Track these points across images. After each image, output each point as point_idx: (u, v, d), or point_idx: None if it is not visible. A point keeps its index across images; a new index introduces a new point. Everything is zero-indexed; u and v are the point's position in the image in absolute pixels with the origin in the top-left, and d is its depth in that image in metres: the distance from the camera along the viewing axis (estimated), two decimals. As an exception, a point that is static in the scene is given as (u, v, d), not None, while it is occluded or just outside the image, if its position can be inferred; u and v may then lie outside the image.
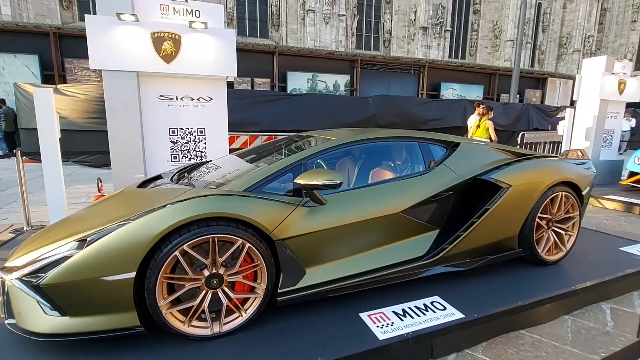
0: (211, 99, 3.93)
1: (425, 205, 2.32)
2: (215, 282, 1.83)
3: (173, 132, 3.86)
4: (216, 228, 1.76)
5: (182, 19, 3.64)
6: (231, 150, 3.91)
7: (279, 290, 1.93)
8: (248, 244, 1.81)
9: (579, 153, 3.20)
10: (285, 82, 13.47)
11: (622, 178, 6.16)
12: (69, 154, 8.32)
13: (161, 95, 3.75)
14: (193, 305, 1.80)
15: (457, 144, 2.71)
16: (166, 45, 3.52)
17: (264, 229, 1.84)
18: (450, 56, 24.56)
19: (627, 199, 5.33)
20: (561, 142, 6.58)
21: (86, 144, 7.98)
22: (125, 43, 3.40)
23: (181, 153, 3.92)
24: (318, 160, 2.64)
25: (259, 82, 13.04)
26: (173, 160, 3.90)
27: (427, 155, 2.57)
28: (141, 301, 1.72)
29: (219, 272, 1.83)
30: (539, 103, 17.04)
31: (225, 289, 1.86)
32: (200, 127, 3.94)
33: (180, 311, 1.82)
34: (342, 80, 14.20)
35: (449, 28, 23.84)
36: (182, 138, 3.90)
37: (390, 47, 24.02)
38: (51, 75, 11.30)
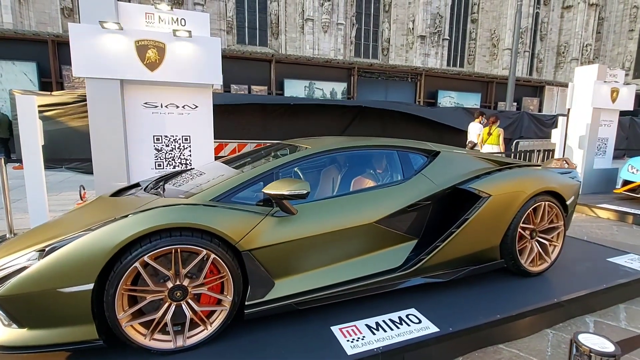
0: (196, 106, 3.92)
1: (402, 215, 2.28)
2: (178, 294, 1.78)
3: (157, 139, 3.84)
4: (179, 239, 1.72)
5: (167, 28, 3.65)
6: (217, 158, 3.89)
7: (246, 303, 1.88)
8: (213, 255, 1.77)
9: (564, 162, 3.16)
10: (283, 89, 13.53)
11: (616, 187, 6.10)
12: (62, 160, 8.33)
13: (146, 103, 3.75)
14: (155, 318, 1.75)
15: (438, 153, 2.67)
16: (150, 53, 3.53)
17: (230, 240, 1.80)
18: (448, 64, 24.69)
19: (620, 208, 5.27)
20: (553, 151, 6.54)
21: (80, 151, 7.98)
22: (109, 51, 3.41)
23: (166, 160, 3.90)
24: (296, 169, 2.61)
25: (256, 90, 13.10)
26: (157, 167, 3.88)
27: (406, 164, 2.53)
28: (102, 313, 1.67)
29: (183, 284, 1.79)
30: (536, 111, 17.05)
31: (190, 301, 1.81)
32: (186, 134, 3.93)
33: (142, 324, 1.77)
34: (339, 87, 14.25)
35: (446, 37, 24.00)
36: (167, 145, 3.88)
37: (389, 55, 24.17)
38: (49, 82, 11.38)
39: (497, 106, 16.42)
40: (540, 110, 17.52)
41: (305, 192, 1.81)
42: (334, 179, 2.52)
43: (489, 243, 2.52)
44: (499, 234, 2.53)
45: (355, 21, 23.21)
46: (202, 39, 3.67)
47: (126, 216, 1.71)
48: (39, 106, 8.63)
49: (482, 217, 2.42)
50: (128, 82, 3.62)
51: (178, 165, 3.94)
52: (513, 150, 7.84)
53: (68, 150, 8.24)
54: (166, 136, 3.86)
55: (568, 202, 2.84)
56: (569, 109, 6.57)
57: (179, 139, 3.91)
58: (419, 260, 2.28)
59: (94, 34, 3.34)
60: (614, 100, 6.35)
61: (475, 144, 7.09)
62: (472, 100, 16.31)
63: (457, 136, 10.13)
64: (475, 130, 7.26)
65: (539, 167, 2.95)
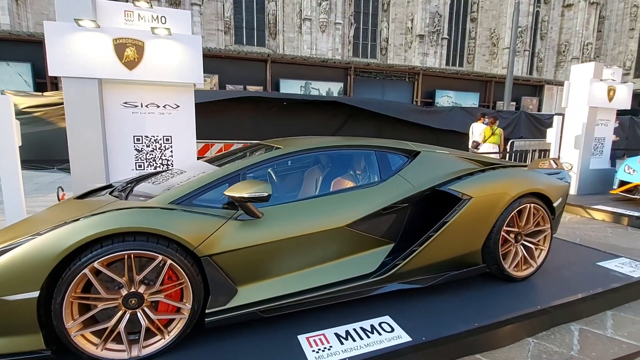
0: (178, 106, 3.84)
1: (376, 218, 2.18)
2: (133, 301, 1.69)
3: (138, 139, 3.76)
4: (132, 244, 1.63)
5: (147, 25, 3.57)
6: (199, 159, 3.80)
7: (206, 310, 1.79)
8: (169, 261, 1.68)
9: (552, 162, 3.06)
10: (278, 89, 13.44)
11: (613, 187, 5.97)
12: (54, 161, 8.27)
13: (125, 103, 3.67)
14: (108, 327, 1.66)
15: (418, 153, 2.57)
16: (129, 51, 3.45)
17: (187, 245, 1.71)
18: (447, 64, 24.55)
19: (615, 209, 5.15)
20: (549, 151, 6.43)
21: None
22: (86, 49, 3.33)
23: (146, 161, 3.82)
24: (269, 171, 2.52)
25: (252, 90, 13.01)
26: (138, 168, 3.80)
27: (383, 165, 2.44)
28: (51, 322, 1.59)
29: (139, 291, 1.70)
30: (535, 111, 16.89)
31: (146, 309, 1.72)
32: (167, 134, 3.85)
33: (95, 333, 1.68)
34: (335, 87, 14.16)
35: (446, 36, 23.87)
36: (148, 146, 3.80)
37: (387, 54, 24.06)
38: (44, 83, 11.34)
39: (496, 106, 16.27)
40: (539, 109, 17.37)
41: (266, 194, 1.72)
42: (306, 181, 2.43)
43: (470, 247, 2.42)
44: (480, 237, 2.43)
45: (353, 20, 23.12)
46: (183, 36, 3.59)
47: (77, 220, 1.62)
48: (31, 107, 8.62)
49: (462, 220, 2.32)
50: (107, 81, 3.54)
51: (159, 166, 3.86)
52: (508, 150, 7.72)
53: (60, 151, 8.17)
54: (147, 136, 3.78)
55: (555, 204, 2.74)
56: (564, 108, 6.46)
57: (160, 139, 3.83)
58: (394, 266, 2.19)
59: (70, 32, 3.26)
60: (610, 99, 6.24)
61: (479, 144, 7.31)
62: (470, 100, 16.18)
63: (455, 135, 10.02)
64: (479, 131, 7.44)
65: (525, 168, 2.85)
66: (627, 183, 5.59)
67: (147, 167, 3.83)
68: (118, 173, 3.66)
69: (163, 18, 3.65)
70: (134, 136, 3.73)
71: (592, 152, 6.46)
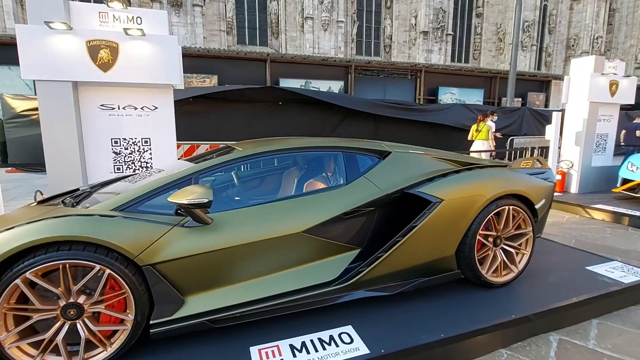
0: (156, 107, 3.79)
1: (337, 223, 2.08)
2: (72, 312, 1.63)
3: (116, 142, 3.72)
4: (67, 253, 1.56)
5: (122, 27, 3.51)
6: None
7: (151, 321, 1.72)
8: (108, 271, 1.61)
9: (537, 161, 2.90)
10: (278, 89, 13.38)
11: (617, 185, 5.73)
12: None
13: (102, 105, 3.63)
14: (45, 338, 1.60)
15: (389, 153, 2.46)
16: (103, 53, 3.40)
17: (126, 253, 1.63)
18: (452, 60, 24.15)
19: (616, 209, 4.93)
20: (548, 148, 6.20)
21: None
22: (59, 52, 3.29)
23: (125, 164, 3.77)
24: (232, 174, 2.44)
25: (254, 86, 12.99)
26: (117, 171, 3.76)
27: (351, 166, 2.33)
28: None
29: (78, 301, 1.63)
30: (542, 107, 16.48)
31: (87, 320, 1.65)
32: (145, 137, 3.79)
33: (33, 344, 1.62)
34: (336, 86, 14.03)
35: (450, 32, 23.48)
36: (126, 149, 3.75)
37: (391, 52, 23.79)
38: (45, 86, 11.47)
39: (501, 102, 15.93)
40: (546, 105, 16.95)
41: (206, 201, 1.64)
42: (265, 185, 2.34)
43: (442, 252, 2.29)
44: (453, 242, 2.31)
45: (356, 18, 22.91)
46: (158, 37, 3.53)
47: (10, 229, 1.56)
48: (28, 110, 8.70)
49: (432, 224, 2.20)
50: (82, 83, 3.50)
51: (138, 169, 3.81)
52: (507, 148, 7.50)
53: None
54: (125, 139, 3.73)
55: (537, 206, 2.59)
56: (564, 104, 6.24)
57: (139, 142, 3.78)
58: (358, 273, 2.08)
59: (43, 34, 3.22)
60: (613, 94, 5.99)
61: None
62: (474, 97, 15.87)
63: (457, 133, 9.79)
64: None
65: (505, 168, 2.70)
66: (630, 181, 5.36)
67: (126, 169, 3.78)
68: (96, 176, 3.63)
69: (139, 19, 3.59)
70: (111, 139, 3.69)
71: (594, 149, 6.22)
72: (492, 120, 7.80)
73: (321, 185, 2.28)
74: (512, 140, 7.65)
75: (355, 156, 2.39)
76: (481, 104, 15.71)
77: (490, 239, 2.49)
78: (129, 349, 1.75)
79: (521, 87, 16.80)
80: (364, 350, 1.81)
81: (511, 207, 2.46)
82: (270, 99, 8.14)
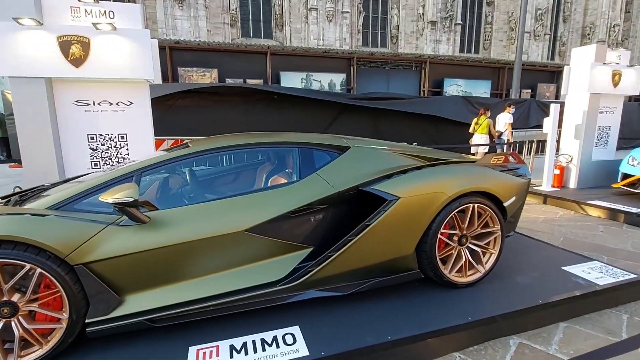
0: (132, 103, 3.78)
1: (284, 222, 2.02)
2: (6, 310, 1.63)
3: (92, 138, 3.73)
4: (-6, 252, 1.55)
5: (95, 22, 3.49)
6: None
7: (86, 320, 1.71)
8: (39, 270, 1.60)
9: (511, 157, 2.78)
10: (279, 82, 13.29)
11: (617, 181, 5.49)
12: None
13: (77, 101, 3.63)
14: (-23, 338, 1.61)
15: (348, 149, 2.38)
16: (74, 48, 3.39)
17: (56, 252, 1.62)
18: (462, 51, 23.51)
19: (612, 205, 4.72)
20: (545, 141, 5.98)
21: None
22: (31, 48, 3.29)
23: (102, 160, 3.79)
24: (186, 170, 2.40)
25: (252, 83, 12.93)
26: (94, 167, 3.78)
27: (305, 163, 2.26)
28: None
29: (12, 299, 1.63)
30: (553, 98, 15.94)
31: (21, 318, 1.65)
32: (122, 132, 3.79)
33: (-32, 343, 1.63)
34: (338, 79, 13.85)
35: (459, 21, 22.82)
36: (102, 144, 3.76)
37: (398, 43, 23.29)
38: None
39: (509, 94, 15.46)
40: (557, 97, 16.37)
41: (131, 200, 1.60)
42: (213, 183, 2.29)
43: (399, 252, 2.22)
44: (412, 241, 2.23)
45: (362, 9, 22.47)
46: (130, 31, 3.50)
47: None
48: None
49: (387, 222, 2.12)
50: (57, 79, 3.51)
51: (115, 164, 3.82)
52: (505, 141, 7.28)
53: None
54: (101, 135, 3.74)
55: (506, 204, 2.48)
56: (564, 95, 5.99)
57: (115, 137, 3.78)
58: (307, 272, 2.02)
59: (13, 31, 3.23)
60: (616, 85, 5.71)
61: (502, 134, 7.64)
62: (481, 88, 15.46)
63: (461, 127, 9.51)
64: (504, 120, 7.74)
65: (473, 164, 2.59)
66: (631, 176, 5.12)
67: (103, 165, 3.80)
68: (74, 172, 3.64)
69: (111, 13, 3.56)
70: (87, 135, 3.71)
71: (595, 143, 5.97)
72: (509, 112, 7.79)
73: (271, 183, 2.22)
74: (511, 133, 7.41)
75: (312, 152, 2.32)
76: (488, 95, 15.29)
77: (455, 238, 2.40)
78: (67, 347, 1.75)
79: (531, 78, 16.28)
80: (304, 352, 1.77)
81: (476, 205, 2.36)
82: (260, 95, 8.08)
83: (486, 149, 6.88)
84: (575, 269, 2.74)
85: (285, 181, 2.24)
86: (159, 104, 7.31)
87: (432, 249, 2.27)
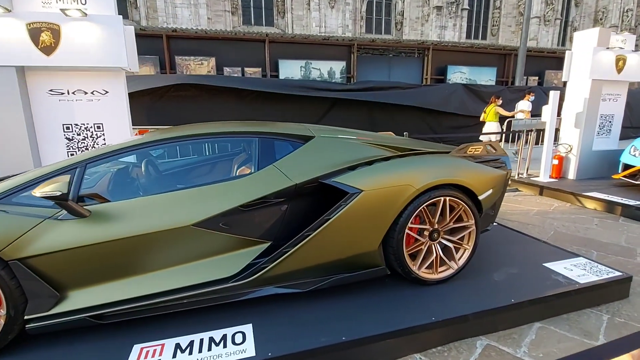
0: (107, 92, 3.69)
1: (236, 216, 1.92)
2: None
3: (67, 128, 3.66)
4: None
5: (63, 7, 3.38)
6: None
7: (25, 317, 1.65)
8: (-29, 265, 1.54)
9: (490, 147, 2.62)
10: (277, 70, 13.08)
11: (618, 172, 5.27)
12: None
13: (51, 90, 3.56)
14: None
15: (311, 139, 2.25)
16: (44, 36, 3.29)
17: None
18: (468, 37, 22.86)
19: (609, 197, 4.53)
20: (543, 130, 5.74)
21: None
22: (0, 36, 3.20)
23: (79, 150, 3.73)
24: (141, 161, 2.30)
25: (250, 72, 12.74)
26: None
27: (265, 154, 2.15)
28: None
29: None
30: (561, 85, 15.40)
31: (-43, 315, 1.60)
32: (97, 122, 3.72)
33: None
34: (338, 67, 13.56)
35: (466, 6, 22.13)
36: (78, 134, 3.69)
37: (403, 29, 22.74)
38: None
39: (515, 81, 14.98)
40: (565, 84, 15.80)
41: (59, 193, 1.52)
42: (165, 175, 2.20)
43: (363, 247, 2.11)
44: (376, 236, 2.12)
45: (365, -6, 21.91)
46: (101, 17, 3.38)
47: None
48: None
49: (349, 217, 2.01)
50: (29, 68, 3.43)
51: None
52: (504, 130, 7.03)
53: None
54: (76, 124, 3.67)
55: (481, 197, 2.34)
56: (565, 82, 5.72)
57: (91, 127, 3.71)
58: (261, 269, 1.94)
59: (-20, 17, 3.14)
60: (619, 70, 5.42)
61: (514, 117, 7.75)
62: (486, 76, 15.01)
63: (462, 116, 9.25)
64: (522, 107, 7.95)
65: (446, 155, 2.44)
66: (631, 167, 4.90)
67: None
68: (50, 162, 3.59)
69: (83, -1, 3.44)
70: (63, 124, 3.64)
71: (597, 132, 5.73)
72: (528, 100, 7.75)
73: (227, 175, 2.12)
74: (510, 122, 7.15)
75: (273, 142, 2.21)
76: (494, 83, 14.84)
77: (426, 233, 2.28)
78: (9, 344, 1.70)
79: (539, 64, 15.73)
80: (251, 352, 1.69)
81: (448, 198, 2.23)
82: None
83: (498, 136, 6.64)
84: (557, 266, 2.60)
85: (243, 173, 2.14)
86: (151, 93, 7.24)
87: (399, 244, 2.16)
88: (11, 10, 3.18)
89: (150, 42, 11.93)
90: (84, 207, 1.74)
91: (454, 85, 10.03)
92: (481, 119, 7.77)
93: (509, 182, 2.62)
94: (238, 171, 2.18)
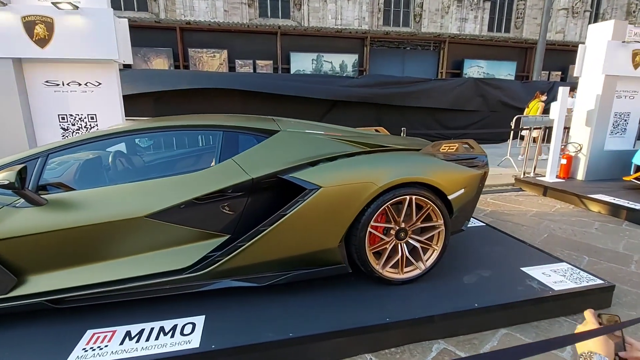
0: (100, 83, 3.78)
1: (191, 209, 1.94)
2: None
3: (63, 118, 3.79)
4: None
5: (54, 0, 3.47)
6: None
7: None
8: None
9: (467, 145, 2.52)
10: (289, 63, 13.05)
11: (630, 173, 4.97)
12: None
13: (47, 81, 3.68)
14: None
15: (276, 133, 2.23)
16: (38, 29, 3.40)
17: None
18: (490, 30, 21.96)
19: (615, 200, 4.29)
20: (551, 128, 5.47)
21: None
22: (-3, 28, 3.33)
23: (73, 140, 3.84)
24: (113, 153, 2.35)
25: (261, 65, 12.78)
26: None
27: (229, 148, 2.14)
28: None
29: None
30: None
31: None
32: (91, 113, 3.83)
33: None
34: (350, 60, 13.38)
35: (489, -3, 21.24)
36: (73, 125, 3.81)
37: (422, 22, 22.10)
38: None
39: (532, 76, 14.34)
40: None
41: (7, 182, 1.57)
42: (125, 166, 2.23)
43: (321, 244, 2.09)
44: (336, 234, 2.08)
45: (383, -14, 21.38)
46: (92, 10, 3.45)
47: None
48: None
49: (306, 213, 1.99)
50: (26, 60, 3.55)
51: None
52: (513, 127, 6.73)
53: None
54: (71, 115, 3.79)
55: (451, 197, 2.26)
56: (577, 78, 5.42)
57: (85, 118, 3.82)
58: (215, 262, 1.95)
59: (-21, 10, 3.27)
60: (637, 66, 5.09)
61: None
62: (505, 70, 14.45)
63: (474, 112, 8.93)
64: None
65: (416, 153, 2.36)
66: (644, 169, 4.61)
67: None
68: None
69: (76, -9, 3.52)
70: (58, 115, 3.76)
71: (610, 130, 5.41)
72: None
73: (188, 168, 2.13)
74: (519, 118, 6.84)
75: (237, 136, 2.20)
76: (513, 77, 14.28)
77: (392, 232, 2.23)
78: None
79: (563, 59, 14.99)
80: (195, 344, 1.72)
81: (414, 197, 2.16)
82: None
83: (540, 131, 6.30)
84: (535, 271, 2.49)
85: (200, 167, 2.14)
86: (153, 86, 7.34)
87: (361, 242, 2.12)
88: (7, 4, 3.29)
89: (165, 34, 12.15)
90: (42, 195, 1.80)
91: (466, 79, 9.70)
92: (525, 113, 7.59)
93: (484, 181, 2.52)
94: (198, 164, 2.19)
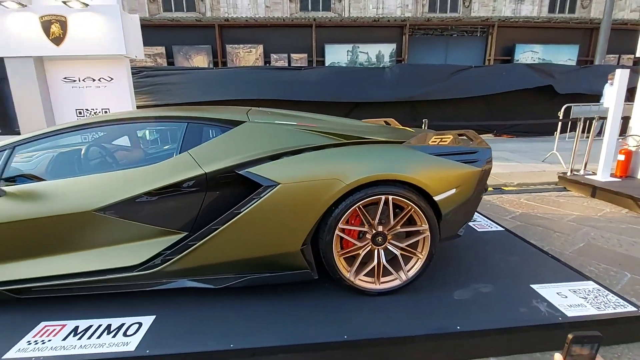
0: (112, 78, 3.91)
1: (143, 204, 1.85)
2: None
3: (80, 112, 3.99)
4: None
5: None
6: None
7: None
8: None
9: (465, 137, 2.14)
10: (324, 56, 12.83)
11: None
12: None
13: (65, 78, 3.89)
14: None
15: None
16: (54, 27, 3.58)
17: None
18: (551, 11, 19.61)
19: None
20: (605, 119, 4.65)
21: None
22: (19, 29, 3.57)
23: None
24: (80, 146, 2.37)
25: (296, 58, 12.71)
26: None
27: (191, 140, 2.03)
28: None
29: None
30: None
31: None
32: (105, 107, 3.99)
33: None
34: (387, 50, 12.80)
35: (551, -25, 19.01)
36: (89, 119, 4.00)
37: (472, 6, 20.49)
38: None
39: (604, 61, 12.55)
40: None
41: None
42: (83, 159, 2.20)
43: (282, 247, 1.90)
44: (297, 236, 1.88)
45: (429, -30, 20.14)
46: (100, 7, 3.56)
47: None
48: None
49: (263, 212, 1.81)
50: (47, 58, 3.78)
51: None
52: (561, 117, 5.85)
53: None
54: (87, 109, 3.98)
55: (438, 198, 1.93)
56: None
57: (99, 112, 3.99)
58: (165, 260, 1.86)
59: (3, 14, 3.52)
60: None
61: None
62: (565, 55, 12.84)
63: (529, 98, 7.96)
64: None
65: (399, 145, 2.04)
66: None
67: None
68: (66, 144, 3.98)
69: (88, -10, 3.65)
70: (76, 109, 3.97)
71: (684, 122, 4.48)
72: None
73: (149, 162, 2.05)
74: (570, 108, 5.94)
75: (202, 128, 2.08)
76: (574, 63, 12.64)
77: (368, 236, 1.97)
78: None
79: (635, 40, 12.93)
80: (132, 347, 1.63)
81: (390, 197, 1.88)
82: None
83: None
84: (548, 290, 2.07)
85: (158, 160, 2.04)
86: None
87: (327, 246, 1.90)
88: (26, 5, 3.51)
89: (205, 32, 12.59)
90: (4, 187, 1.83)
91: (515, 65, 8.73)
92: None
93: (486, 180, 2.14)
94: (160, 158, 2.10)
